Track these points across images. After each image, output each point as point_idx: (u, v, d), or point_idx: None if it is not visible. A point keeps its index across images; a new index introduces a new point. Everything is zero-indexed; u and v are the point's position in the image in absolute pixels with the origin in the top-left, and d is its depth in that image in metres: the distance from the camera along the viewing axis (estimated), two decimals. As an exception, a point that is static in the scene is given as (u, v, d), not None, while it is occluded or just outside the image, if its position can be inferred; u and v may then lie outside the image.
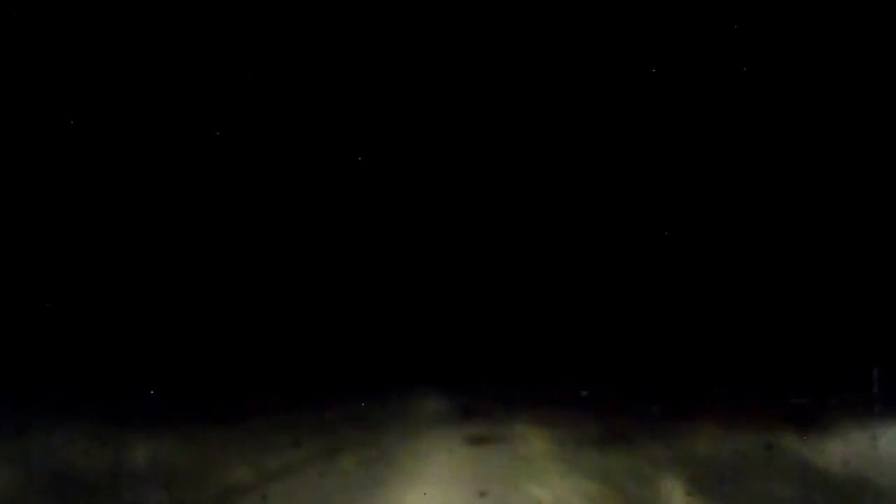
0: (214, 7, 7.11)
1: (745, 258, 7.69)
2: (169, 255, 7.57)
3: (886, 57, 6.70)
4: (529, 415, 7.36)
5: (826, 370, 6.66)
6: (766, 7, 6.98)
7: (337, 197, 8.12)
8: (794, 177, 7.35)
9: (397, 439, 6.52)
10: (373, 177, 8.03)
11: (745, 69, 7.06)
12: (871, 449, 5.41)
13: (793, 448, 5.89)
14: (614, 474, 5.63)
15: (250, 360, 7.38)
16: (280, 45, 7.39)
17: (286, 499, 5.25)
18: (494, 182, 8.26)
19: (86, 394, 5.82)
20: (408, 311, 8.44)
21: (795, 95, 7.23)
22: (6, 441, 5.28)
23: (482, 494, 5.17)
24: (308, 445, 6.40)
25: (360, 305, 8.32)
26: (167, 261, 7.49)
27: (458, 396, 8.14)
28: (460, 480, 5.53)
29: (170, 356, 6.74)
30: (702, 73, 7.44)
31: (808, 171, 7.28)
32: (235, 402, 6.74)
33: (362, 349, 8.11)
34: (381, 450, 6.21)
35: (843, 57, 6.99)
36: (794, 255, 7.53)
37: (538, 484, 5.48)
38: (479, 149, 8.10)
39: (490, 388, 8.35)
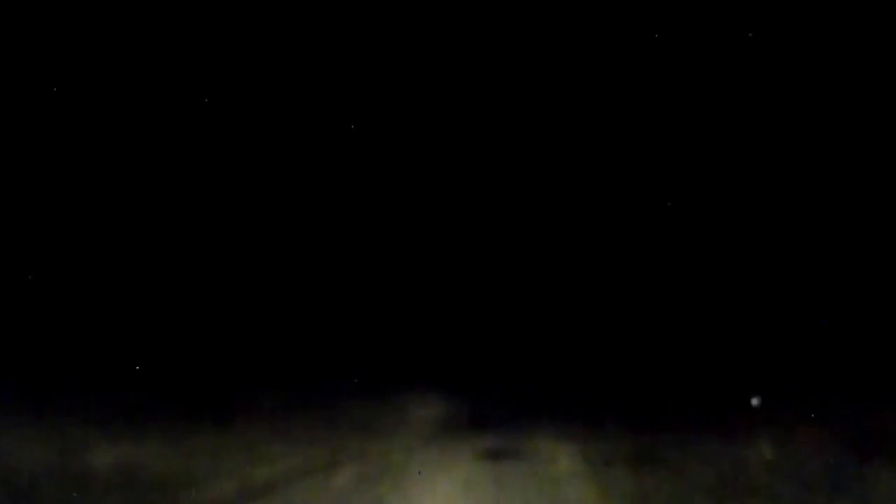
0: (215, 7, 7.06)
1: (795, 273, 7.43)
2: (156, 247, 7.16)
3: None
4: (551, 426, 6.66)
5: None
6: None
7: (345, 196, 7.92)
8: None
9: (402, 452, 5.81)
10: (382, 180, 7.89)
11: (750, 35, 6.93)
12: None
13: (849, 470, 5.14)
14: (652, 500, 4.91)
15: (241, 357, 6.77)
16: (280, 44, 7.29)
17: (273, 519, 4.59)
18: (504, 178, 8.05)
19: (41, 387, 5.21)
20: (414, 307, 7.99)
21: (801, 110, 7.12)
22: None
23: (498, 520, 4.53)
24: (303, 455, 5.71)
25: (363, 299, 7.84)
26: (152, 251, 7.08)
27: (469, 403, 7.47)
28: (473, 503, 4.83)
29: (147, 348, 6.15)
30: (702, 79, 7.34)
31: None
32: (223, 403, 6.10)
33: (365, 348, 7.52)
34: (384, 465, 5.50)
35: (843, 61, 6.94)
36: (855, 274, 7.23)
37: (562, 509, 4.77)
38: (498, 162, 7.95)
39: (505, 393, 7.72)
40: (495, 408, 7.39)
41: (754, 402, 6.02)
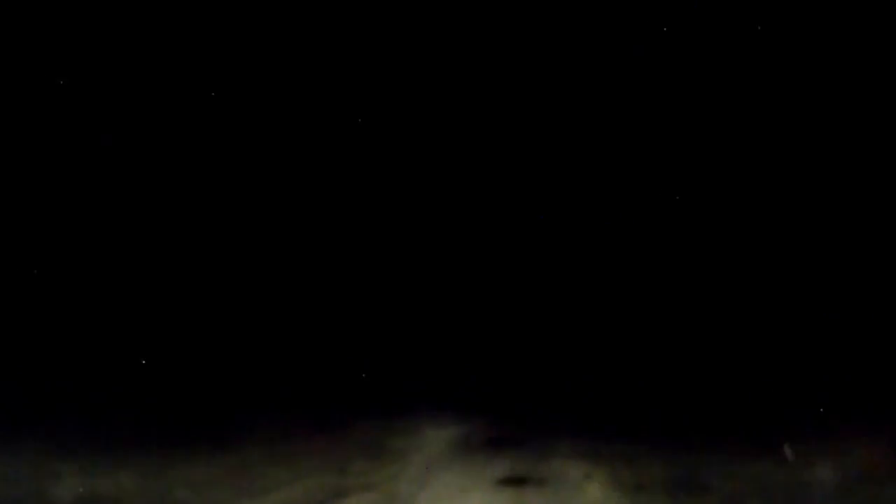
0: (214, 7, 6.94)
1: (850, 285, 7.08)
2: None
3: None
4: (576, 448, 6.07)
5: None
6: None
7: (353, 207, 7.74)
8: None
9: (415, 478, 5.24)
10: (396, 198, 7.74)
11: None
12: None
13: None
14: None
15: (235, 374, 6.30)
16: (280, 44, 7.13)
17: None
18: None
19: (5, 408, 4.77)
20: (425, 317, 7.69)
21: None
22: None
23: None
24: (304, 484, 5.18)
25: (371, 309, 7.54)
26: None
27: (486, 422, 6.94)
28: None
29: (125, 363, 5.70)
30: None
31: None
32: (213, 427, 5.60)
33: (373, 363, 7.05)
34: (394, 493, 4.95)
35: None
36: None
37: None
38: (514, 181, 7.81)
39: (525, 412, 7.19)
40: (515, 428, 6.86)
41: (788, 452, 5.40)
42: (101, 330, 6.56)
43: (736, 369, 6.81)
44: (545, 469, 5.56)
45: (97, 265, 6.88)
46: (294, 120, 7.57)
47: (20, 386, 5.12)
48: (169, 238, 7.24)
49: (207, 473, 4.98)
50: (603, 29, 7.25)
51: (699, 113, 7.41)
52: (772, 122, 7.27)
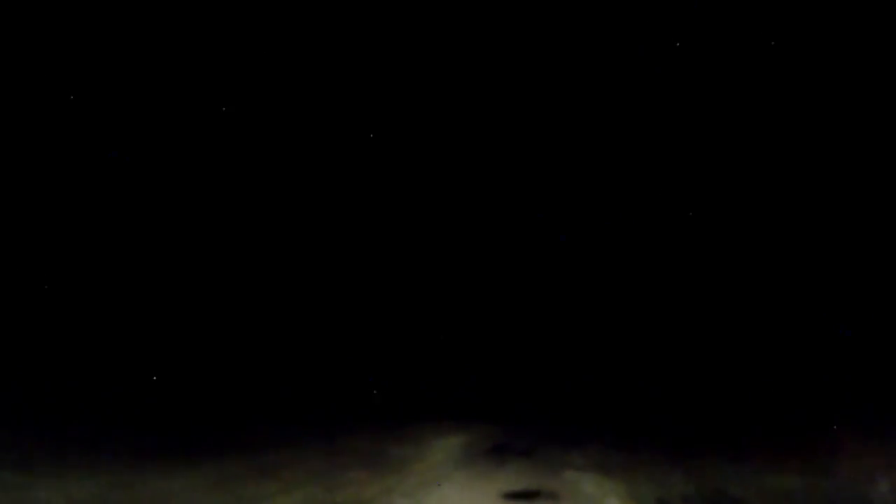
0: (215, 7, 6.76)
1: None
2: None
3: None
4: (588, 459, 5.59)
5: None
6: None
7: (358, 218, 7.59)
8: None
9: (412, 492, 4.75)
10: (400, 210, 7.61)
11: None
12: None
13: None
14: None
15: (225, 381, 5.85)
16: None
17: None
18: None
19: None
20: (427, 322, 7.39)
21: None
22: None
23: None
24: (291, 496, 4.70)
25: (372, 311, 7.25)
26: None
27: (492, 431, 6.48)
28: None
29: (101, 367, 5.27)
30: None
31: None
32: (199, 435, 5.14)
33: (372, 370, 6.59)
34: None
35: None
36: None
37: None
38: (523, 191, 7.70)
39: (532, 419, 6.72)
40: (522, 436, 6.39)
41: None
42: (86, 339, 6.17)
43: (767, 375, 6.32)
44: (557, 482, 5.08)
45: (84, 276, 6.59)
46: (300, 130, 7.41)
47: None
48: (166, 243, 6.97)
49: (189, 485, 4.50)
50: (617, 40, 7.15)
51: (699, 112, 7.25)
52: (775, 129, 7.13)
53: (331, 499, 4.67)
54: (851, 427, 5.44)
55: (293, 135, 7.41)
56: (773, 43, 6.77)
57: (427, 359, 7.04)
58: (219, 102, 7.00)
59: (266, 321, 6.80)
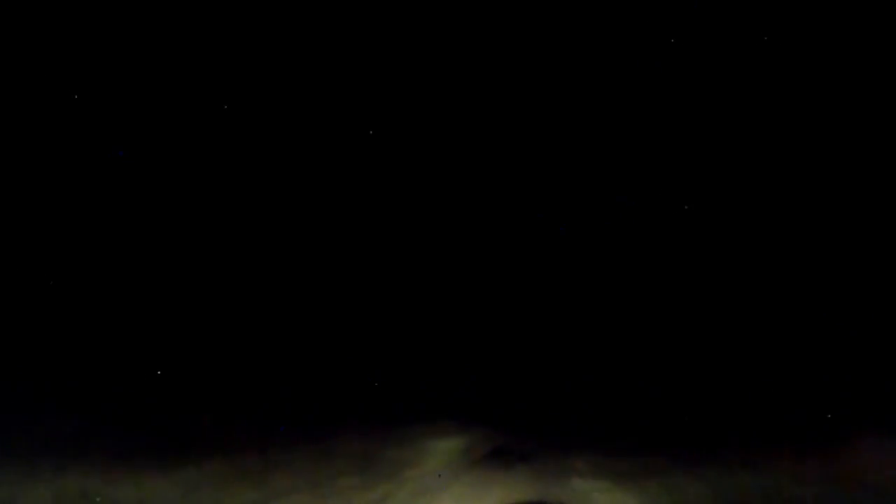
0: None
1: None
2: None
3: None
4: (594, 464, 5.29)
5: None
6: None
7: (358, 220, 7.48)
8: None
9: (407, 500, 4.42)
10: (401, 211, 7.54)
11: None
12: None
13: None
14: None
15: (213, 379, 5.58)
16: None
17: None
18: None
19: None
20: (425, 323, 7.11)
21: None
22: None
23: None
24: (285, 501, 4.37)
25: (371, 312, 7.05)
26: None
27: (493, 434, 6.17)
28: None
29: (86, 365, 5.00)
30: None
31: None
32: (185, 435, 4.83)
33: (368, 369, 6.38)
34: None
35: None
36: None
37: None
38: (522, 192, 7.68)
39: (536, 423, 6.42)
40: (524, 440, 6.10)
41: None
42: (65, 337, 5.95)
43: (788, 379, 6.05)
44: (563, 491, 4.75)
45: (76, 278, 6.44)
46: (300, 131, 7.28)
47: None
48: (162, 244, 6.86)
49: (172, 487, 4.17)
50: (615, 38, 7.10)
51: (698, 113, 7.18)
52: (776, 128, 7.01)
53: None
54: (875, 435, 5.15)
55: (293, 134, 7.30)
56: (765, 38, 6.74)
57: (423, 357, 6.75)
58: (221, 100, 6.94)
59: (253, 315, 6.58)
